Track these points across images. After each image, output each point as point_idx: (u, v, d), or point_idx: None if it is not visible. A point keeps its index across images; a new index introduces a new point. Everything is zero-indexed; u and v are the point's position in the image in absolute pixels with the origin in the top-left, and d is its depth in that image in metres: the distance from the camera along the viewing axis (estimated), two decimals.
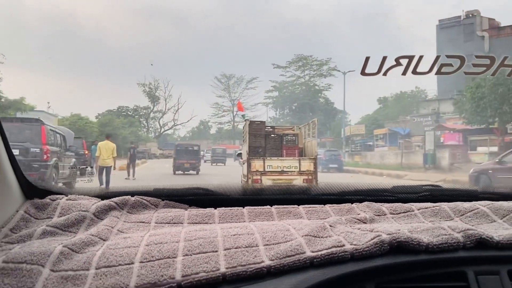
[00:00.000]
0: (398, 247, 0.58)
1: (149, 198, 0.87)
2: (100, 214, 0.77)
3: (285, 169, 9.24)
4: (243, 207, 0.85)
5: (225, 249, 0.61)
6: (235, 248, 0.61)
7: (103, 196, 0.88)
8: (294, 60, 50.09)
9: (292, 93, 50.30)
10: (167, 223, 0.77)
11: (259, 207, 0.85)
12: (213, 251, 0.60)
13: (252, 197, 0.94)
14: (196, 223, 0.77)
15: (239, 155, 31.90)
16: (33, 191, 0.86)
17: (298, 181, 9.14)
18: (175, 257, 0.59)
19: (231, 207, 0.85)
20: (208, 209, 0.84)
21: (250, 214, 0.81)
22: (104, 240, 0.67)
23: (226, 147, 55.47)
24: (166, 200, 0.89)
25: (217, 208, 0.84)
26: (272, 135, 9.73)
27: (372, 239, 0.58)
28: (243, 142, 10.48)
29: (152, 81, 68.07)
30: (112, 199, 0.84)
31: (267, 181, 8.89)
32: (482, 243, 0.61)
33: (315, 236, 0.62)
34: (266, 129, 9.79)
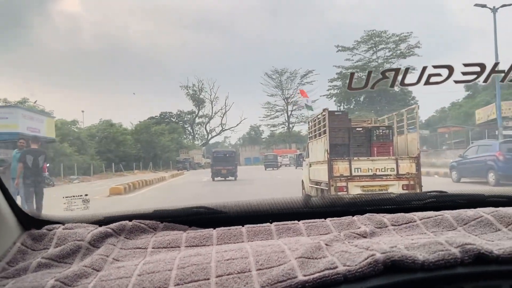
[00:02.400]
0: (393, 265, 0.60)
1: (147, 222, 0.92)
2: (96, 243, 0.81)
3: (378, 173, 7.78)
4: (243, 226, 0.89)
5: (217, 276, 0.64)
6: (227, 274, 0.64)
7: (101, 222, 0.93)
8: (364, 39, 40.84)
9: (360, 81, 44.95)
10: (164, 247, 0.81)
11: (258, 225, 0.89)
12: (205, 279, 0.64)
13: (252, 214, 0.99)
14: (194, 246, 0.82)
15: (300, 156, 30.71)
16: (30, 222, 0.92)
17: (396, 188, 7.62)
18: (166, 287, 0.62)
19: (230, 225, 0.89)
20: (206, 230, 0.88)
21: (249, 233, 0.85)
22: (97, 270, 0.70)
23: (282, 152, 54.89)
24: (165, 223, 0.93)
25: (216, 229, 0.88)
26: (358, 129, 8.38)
27: (365, 259, 0.60)
28: (312, 139, 9.29)
29: (196, 83, 69.37)
30: (109, 226, 0.88)
31: (354, 189, 7.53)
32: (482, 258, 0.61)
33: (309, 258, 0.64)
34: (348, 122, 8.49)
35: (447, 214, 0.84)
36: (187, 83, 62.93)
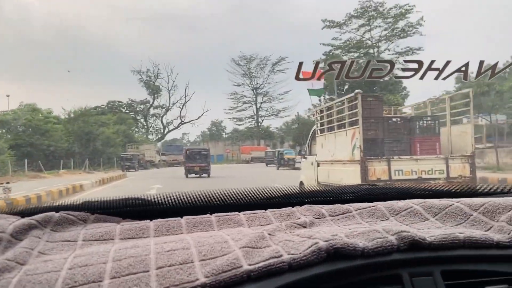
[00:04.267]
0: (335, 253, 0.64)
1: (76, 213, 0.90)
2: (18, 235, 0.78)
3: (424, 176, 6.64)
4: (181, 217, 0.88)
5: (157, 268, 0.63)
6: (169, 266, 0.64)
7: (24, 213, 0.90)
8: (359, 13, 32.95)
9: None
10: (96, 240, 0.79)
11: (198, 216, 0.88)
12: (144, 271, 0.63)
13: (191, 205, 0.99)
14: (129, 238, 0.80)
15: (280, 154, 29.13)
16: None
17: None
18: (101, 281, 0.61)
19: (168, 217, 0.88)
20: (142, 221, 0.86)
21: (188, 225, 0.85)
22: (21, 264, 0.68)
23: (250, 149, 53.27)
24: (96, 214, 0.91)
25: (153, 220, 0.86)
26: (394, 120, 7.15)
27: (309, 247, 0.63)
28: (325, 133, 7.97)
29: (151, 67, 64.53)
30: (33, 217, 0.85)
31: None
32: (416, 244, 0.66)
33: (253, 247, 0.67)
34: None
35: (380, 205, 0.91)
36: (140, 68, 59.06)
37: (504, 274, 0.67)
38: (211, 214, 0.90)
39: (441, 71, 1.17)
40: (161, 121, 56.82)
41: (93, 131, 33.21)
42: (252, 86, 57.06)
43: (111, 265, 0.64)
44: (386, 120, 6.60)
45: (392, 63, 1.19)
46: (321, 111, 8.23)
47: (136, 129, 53.83)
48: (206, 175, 20.15)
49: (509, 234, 0.71)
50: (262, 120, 58.47)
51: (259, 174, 22.74)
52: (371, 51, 33.14)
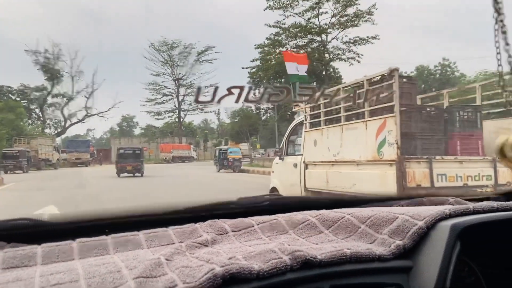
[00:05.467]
0: (231, 278, 0.65)
1: None
2: None
3: (470, 182, 5.50)
4: (74, 240, 0.84)
5: None
6: None
7: None
8: None
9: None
10: None
11: (92, 238, 0.84)
12: None
13: (87, 225, 0.96)
14: (13, 267, 0.75)
15: (222, 153, 26.85)
16: None
17: None
18: None
19: (60, 239, 0.83)
20: (30, 247, 0.81)
21: (81, 249, 0.81)
22: None
23: (172, 147, 49.79)
24: None
25: (42, 245, 0.81)
26: (428, 110, 5.87)
27: (205, 274, 0.64)
28: (327, 125, 6.49)
29: (50, 47, 55.98)
30: None
31: None
32: (307, 263, 0.71)
33: (148, 277, 0.65)
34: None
35: (281, 218, 0.96)
36: (37, 47, 51.45)
37: (388, 285, 0.73)
38: (107, 235, 0.86)
39: None
40: (62, 112, 49.88)
41: None
42: (174, 76, 53.45)
43: None
44: (419, 109, 5.32)
45: (288, 89, 1.21)
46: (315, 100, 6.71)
47: (30, 120, 46.61)
48: (139, 174, 20.49)
49: (389, 247, 0.77)
50: (185, 115, 55.34)
51: (197, 177, 20.41)
52: (318, 38, 32.22)
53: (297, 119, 7.58)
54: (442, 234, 0.77)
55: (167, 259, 0.72)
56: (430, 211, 0.84)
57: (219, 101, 1.13)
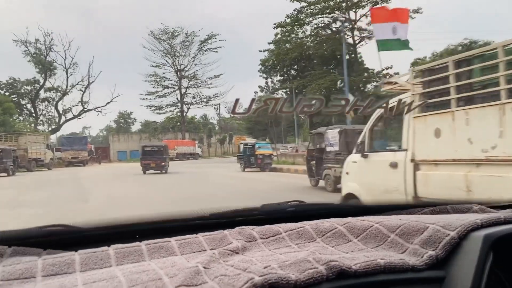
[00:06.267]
0: (270, 287, 0.66)
1: None
2: None
3: None
4: (109, 246, 0.86)
5: None
6: None
7: None
8: None
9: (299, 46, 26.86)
10: (15, 279, 0.75)
11: (127, 245, 0.87)
12: None
13: (119, 231, 1.01)
14: (53, 274, 0.77)
15: (250, 149, 22.71)
16: None
17: None
18: None
19: (94, 246, 0.86)
20: (67, 253, 0.84)
21: (118, 256, 0.83)
22: None
23: (176, 143, 47.37)
24: (14, 247, 0.87)
25: (78, 251, 0.84)
26: None
27: (245, 283, 0.65)
28: (423, 114, 4.20)
29: (41, 37, 52.74)
30: None
31: None
32: (343, 273, 0.73)
33: (189, 285, 0.67)
34: None
35: (307, 225, 0.97)
36: (26, 37, 48.89)
37: None
38: (140, 241, 0.89)
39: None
40: (56, 107, 47.46)
41: None
42: (176, 67, 50.82)
43: None
44: None
45: (322, 100, 1.45)
46: (432, 70, 4.60)
47: (21, 117, 44.21)
48: (164, 171, 21.34)
49: (422, 257, 0.79)
50: (188, 109, 52.82)
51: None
52: (346, 16, 28.95)
53: (392, 101, 5.26)
54: (475, 245, 0.78)
55: (204, 267, 0.73)
56: (460, 220, 0.85)
57: (254, 112, 1.40)
